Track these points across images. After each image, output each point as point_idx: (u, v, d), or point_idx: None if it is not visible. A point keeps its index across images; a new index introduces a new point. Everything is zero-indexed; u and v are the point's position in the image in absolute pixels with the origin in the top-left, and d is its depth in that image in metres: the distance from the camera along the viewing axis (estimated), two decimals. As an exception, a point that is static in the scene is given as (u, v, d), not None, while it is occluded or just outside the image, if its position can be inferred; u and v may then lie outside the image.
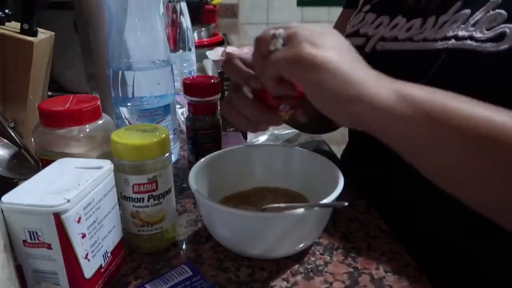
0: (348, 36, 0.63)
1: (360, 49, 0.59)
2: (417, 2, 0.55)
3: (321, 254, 0.48)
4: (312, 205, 0.44)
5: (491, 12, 0.46)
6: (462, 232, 0.53)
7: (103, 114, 0.50)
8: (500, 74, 0.45)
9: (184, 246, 0.50)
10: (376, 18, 0.59)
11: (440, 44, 0.49)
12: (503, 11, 0.45)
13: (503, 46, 0.44)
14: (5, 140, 0.56)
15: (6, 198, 0.36)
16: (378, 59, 0.56)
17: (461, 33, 0.47)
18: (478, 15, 0.47)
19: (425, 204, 0.55)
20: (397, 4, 0.57)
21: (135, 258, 0.47)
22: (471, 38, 0.46)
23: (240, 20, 2.55)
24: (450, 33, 0.48)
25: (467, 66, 0.47)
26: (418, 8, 0.54)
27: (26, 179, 0.40)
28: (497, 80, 0.46)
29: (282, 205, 0.48)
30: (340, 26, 0.71)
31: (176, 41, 0.90)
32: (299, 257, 0.47)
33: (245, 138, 0.74)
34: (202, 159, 0.53)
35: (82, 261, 0.38)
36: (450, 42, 0.48)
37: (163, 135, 0.45)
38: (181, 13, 0.89)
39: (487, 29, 0.46)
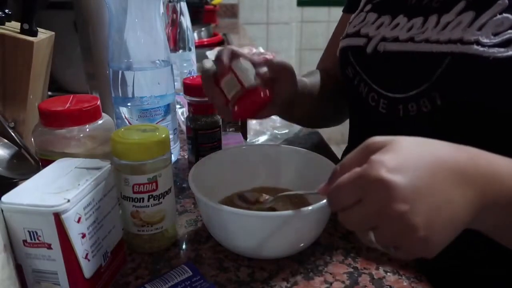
0: (348, 36, 0.62)
1: (361, 49, 0.58)
2: (419, 0, 0.54)
3: (321, 254, 0.48)
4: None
5: (498, 16, 0.46)
6: (462, 232, 0.53)
7: (103, 114, 0.50)
8: (507, 80, 0.45)
9: (184, 246, 0.50)
10: (378, 18, 0.58)
11: (445, 47, 0.48)
12: (510, 16, 0.45)
13: (511, 52, 0.44)
14: (5, 140, 0.56)
15: (6, 198, 0.36)
16: (380, 61, 0.56)
17: (466, 37, 0.47)
18: (483, 18, 0.46)
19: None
20: (399, 3, 0.56)
21: (135, 258, 0.47)
22: (477, 42, 0.46)
23: (240, 20, 2.55)
24: (455, 36, 0.48)
25: (473, 72, 0.46)
26: (420, 7, 0.54)
27: (26, 179, 0.40)
28: (504, 87, 0.46)
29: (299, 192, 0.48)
30: (339, 30, 0.71)
31: (176, 41, 0.90)
32: (299, 257, 0.47)
33: (245, 138, 0.74)
34: (202, 159, 0.53)
35: (82, 261, 0.38)
36: (455, 46, 0.47)
37: (163, 135, 0.45)
38: (181, 13, 0.89)
39: (494, 34, 0.45)
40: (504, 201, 0.36)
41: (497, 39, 0.45)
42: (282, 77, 0.53)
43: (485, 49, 0.45)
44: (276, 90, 0.53)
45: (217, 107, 0.52)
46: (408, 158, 0.33)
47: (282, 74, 0.53)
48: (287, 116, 0.66)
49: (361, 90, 0.59)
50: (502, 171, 0.36)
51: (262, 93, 0.50)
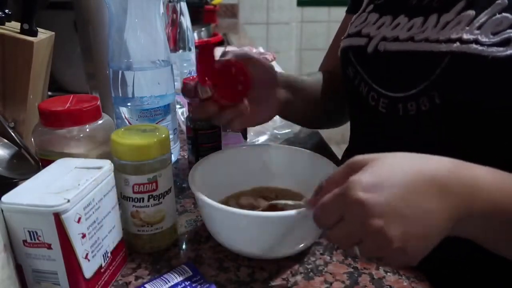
0: (350, 36, 0.62)
1: (362, 49, 0.59)
2: (419, 1, 0.54)
3: (321, 254, 0.48)
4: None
5: (497, 15, 0.46)
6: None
7: (103, 114, 0.50)
8: (505, 79, 0.45)
9: (184, 246, 0.50)
10: (379, 18, 0.58)
11: (444, 47, 0.48)
12: (509, 15, 0.45)
13: (510, 51, 0.44)
14: (5, 140, 0.56)
15: (6, 198, 0.36)
16: (380, 60, 0.56)
17: (466, 36, 0.47)
18: (482, 18, 0.47)
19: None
20: (400, 3, 0.57)
21: (135, 258, 0.47)
22: (476, 42, 0.46)
23: (240, 20, 2.55)
24: (454, 36, 0.48)
25: (472, 71, 0.46)
26: (420, 7, 0.54)
27: (26, 179, 0.40)
28: (503, 86, 0.46)
29: (290, 202, 0.48)
30: (342, 31, 0.71)
31: (176, 41, 0.90)
32: (299, 257, 0.47)
33: (245, 138, 0.74)
34: (202, 159, 0.54)
35: (82, 261, 0.38)
36: (455, 45, 0.47)
37: (163, 135, 0.45)
38: (181, 13, 0.89)
39: (493, 34, 0.45)
40: (484, 210, 0.37)
41: (496, 38, 0.45)
42: (252, 66, 0.54)
43: (484, 48, 0.45)
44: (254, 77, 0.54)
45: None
46: (384, 176, 0.35)
47: (249, 63, 0.54)
48: (287, 114, 0.66)
49: (361, 90, 0.59)
50: (483, 181, 0.38)
51: (233, 67, 0.52)
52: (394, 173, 0.35)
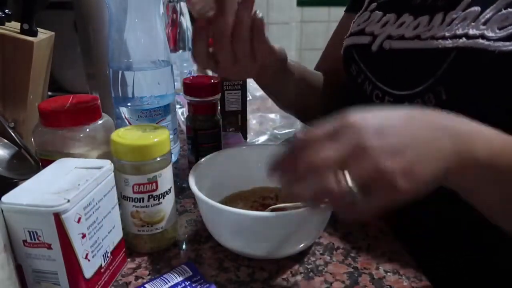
0: (353, 34, 0.62)
1: (366, 47, 0.58)
2: (424, 0, 0.54)
3: (321, 254, 0.48)
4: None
5: (503, 11, 0.46)
6: (462, 232, 0.53)
7: (103, 114, 0.50)
8: (511, 74, 0.45)
9: (184, 246, 0.50)
10: (383, 17, 0.58)
11: (449, 43, 0.48)
12: None
13: None
14: (5, 140, 0.56)
15: (6, 198, 0.36)
16: (385, 58, 0.56)
17: (472, 31, 0.47)
18: (488, 13, 0.47)
19: (425, 203, 0.55)
20: (404, 2, 0.56)
21: (135, 258, 0.47)
22: (482, 36, 0.46)
23: (240, 20, 2.54)
24: (460, 31, 0.48)
25: (478, 65, 0.46)
26: (425, 6, 0.54)
27: (26, 179, 0.40)
28: (509, 80, 0.46)
29: (289, 204, 0.48)
30: (341, 29, 0.71)
31: (176, 41, 0.90)
32: (299, 257, 0.47)
33: (245, 138, 0.74)
34: (202, 159, 0.54)
35: (82, 261, 0.38)
36: (461, 40, 0.47)
37: (163, 135, 0.45)
38: (181, 13, 0.89)
39: (499, 28, 0.45)
40: (485, 158, 0.37)
41: (502, 33, 0.45)
42: None
43: (490, 43, 0.45)
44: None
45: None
46: (379, 110, 0.36)
47: None
48: (272, 92, 0.65)
49: (365, 88, 0.59)
50: (485, 131, 0.39)
51: None
52: (389, 110, 0.37)
